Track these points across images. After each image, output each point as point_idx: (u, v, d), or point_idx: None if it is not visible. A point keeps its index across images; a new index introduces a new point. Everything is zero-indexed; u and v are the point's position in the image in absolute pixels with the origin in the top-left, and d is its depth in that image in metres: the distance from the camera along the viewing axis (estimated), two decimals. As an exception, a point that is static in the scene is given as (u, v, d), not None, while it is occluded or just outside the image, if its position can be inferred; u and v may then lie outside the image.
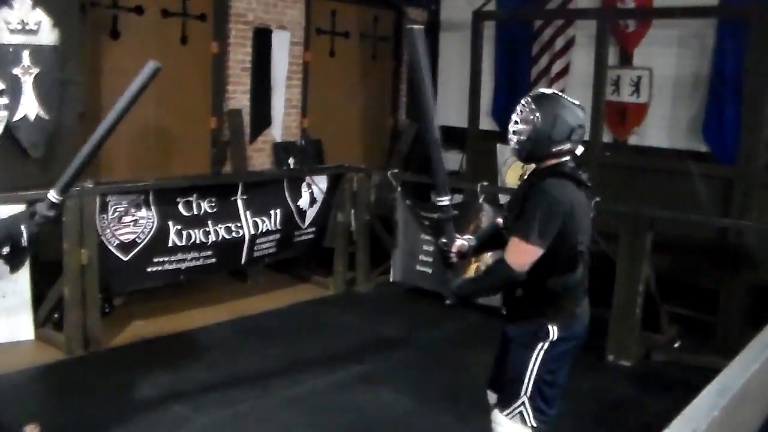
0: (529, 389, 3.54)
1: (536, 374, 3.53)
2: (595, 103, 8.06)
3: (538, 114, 3.38)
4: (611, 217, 6.48)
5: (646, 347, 6.45)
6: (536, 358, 3.52)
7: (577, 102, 3.46)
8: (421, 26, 3.66)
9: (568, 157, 3.45)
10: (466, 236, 3.83)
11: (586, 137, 7.97)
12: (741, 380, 2.65)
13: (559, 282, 3.48)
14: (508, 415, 3.62)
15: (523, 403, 3.56)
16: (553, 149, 3.40)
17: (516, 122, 3.46)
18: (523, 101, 3.48)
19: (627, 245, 6.33)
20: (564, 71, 9.09)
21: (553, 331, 3.50)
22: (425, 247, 7.62)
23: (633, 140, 8.83)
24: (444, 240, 3.70)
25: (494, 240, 3.81)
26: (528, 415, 3.57)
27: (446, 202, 3.64)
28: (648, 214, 6.31)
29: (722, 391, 2.48)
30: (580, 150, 3.46)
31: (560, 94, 3.53)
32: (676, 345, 6.59)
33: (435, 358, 6.34)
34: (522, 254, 3.37)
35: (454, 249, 3.69)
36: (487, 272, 3.75)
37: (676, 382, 5.94)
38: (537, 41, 9.26)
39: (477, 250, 3.91)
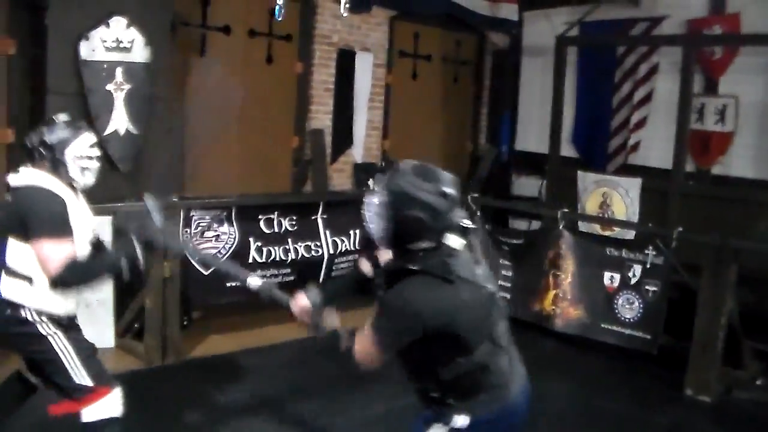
0: None
1: None
2: (679, 132, 7.94)
3: (380, 210, 2.85)
4: (694, 247, 6.36)
5: (726, 383, 6.26)
6: None
7: (442, 185, 2.78)
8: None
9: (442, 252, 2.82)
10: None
11: (668, 166, 7.99)
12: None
13: (451, 370, 2.88)
14: None
15: None
16: (411, 248, 2.84)
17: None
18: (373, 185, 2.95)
19: (710, 277, 6.16)
20: (647, 98, 8.98)
21: (455, 420, 2.96)
22: (504, 273, 7.57)
23: (717, 170, 8.68)
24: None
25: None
26: None
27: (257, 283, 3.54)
28: (733, 246, 6.14)
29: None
30: (457, 243, 2.83)
31: (410, 175, 2.81)
32: (758, 382, 6.40)
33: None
34: (365, 354, 2.95)
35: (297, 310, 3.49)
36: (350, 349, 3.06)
37: (756, 421, 5.78)
38: (620, 68, 9.19)
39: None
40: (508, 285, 7.52)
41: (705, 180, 8.62)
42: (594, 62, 9.46)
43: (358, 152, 8.90)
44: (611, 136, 9.14)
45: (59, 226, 3.68)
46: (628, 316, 6.69)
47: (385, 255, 3.14)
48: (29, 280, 3.67)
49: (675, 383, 6.15)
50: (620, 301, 6.74)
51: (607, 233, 8.00)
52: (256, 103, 7.99)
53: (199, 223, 6.30)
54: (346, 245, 7.26)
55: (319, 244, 7.01)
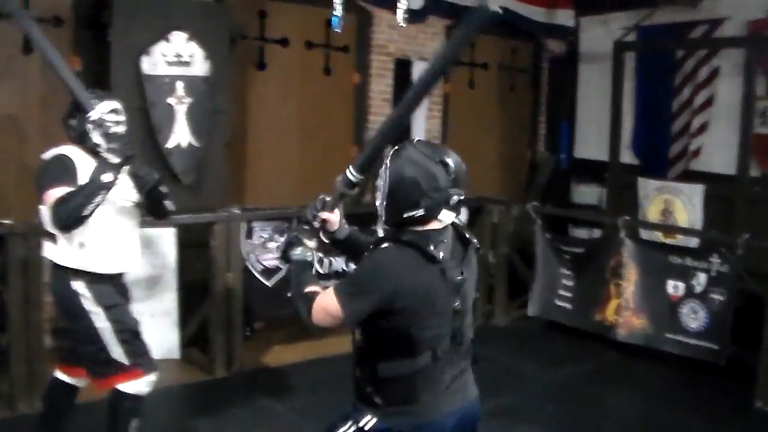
0: None
1: None
2: (743, 136, 7.81)
3: (386, 174, 2.85)
4: (761, 255, 6.24)
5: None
6: None
7: (444, 156, 2.82)
8: None
9: (432, 226, 2.85)
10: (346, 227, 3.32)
11: (731, 171, 7.85)
12: None
13: (390, 368, 2.86)
14: None
15: None
16: (405, 216, 2.82)
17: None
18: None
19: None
20: (707, 103, 8.80)
21: (368, 421, 2.94)
22: (565, 282, 7.51)
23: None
24: (323, 203, 3.19)
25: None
26: None
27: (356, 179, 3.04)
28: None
29: None
30: (448, 217, 2.84)
31: (420, 147, 2.86)
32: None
33: (571, 395, 6.21)
34: (322, 312, 2.87)
35: (323, 215, 3.19)
36: (296, 286, 3.09)
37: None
38: (679, 72, 9.01)
39: (340, 243, 3.35)
40: (569, 295, 7.46)
41: (768, 185, 8.44)
42: (653, 67, 9.32)
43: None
44: (672, 141, 8.99)
45: (56, 175, 3.85)
46: (693, 326, 6.58)
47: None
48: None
49: (744, 395, 6.04)
50: (685, 310, 6.64)
51: (669, 241, 7.87)
52: (314, 115, 8.04)
53: (260, 234, 6.35)
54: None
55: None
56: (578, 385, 6.45)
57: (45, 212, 3.89)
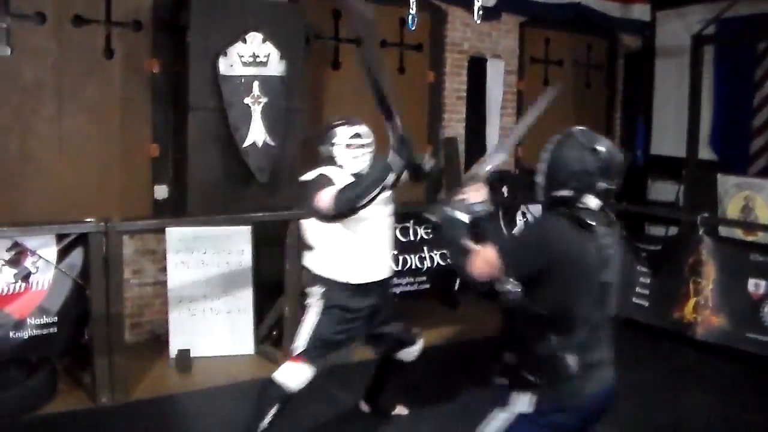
0: None
1: None
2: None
3: (548, 155, 3.08)
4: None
5: None
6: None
7: (597, 144, 3.00)
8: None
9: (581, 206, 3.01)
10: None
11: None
12: None
13: (547, 347, 3.02)
14: None
15: None
16: (554, 194, 3.06)
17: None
18: None
19: None
20: (791, 96, 8.62)
21: (527, 404, 3.07)
22: (642, 279, 7.41)
23: None
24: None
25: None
26: None
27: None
28: None
29: None
30: (591, 203, 3.00)
31: (581, 132, 3.08)
32: None
33: (649, 396, 6.11)
34: (482, 260, 3.00)
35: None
36: (453, 240, 3.20)
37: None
38: (761, 65, 8.83)
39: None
40: (646, 292, 7.35)
41: None
42: (732, 60, 9.13)
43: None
44: (752, 137, 8.80)
45: (322, 185, 4.28)
46: (775, 325, 6.43)
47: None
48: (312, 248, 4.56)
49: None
50: (767, 309, 6.49)
51: (750, 238, 7.70)
52: (388, 114, 8.07)
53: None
54: (479, 251, 7.24)
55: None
56: (655, 384, 6.34)
57: (304, 225, 4.56)
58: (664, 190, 9.90)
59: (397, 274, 6.73)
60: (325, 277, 4.49)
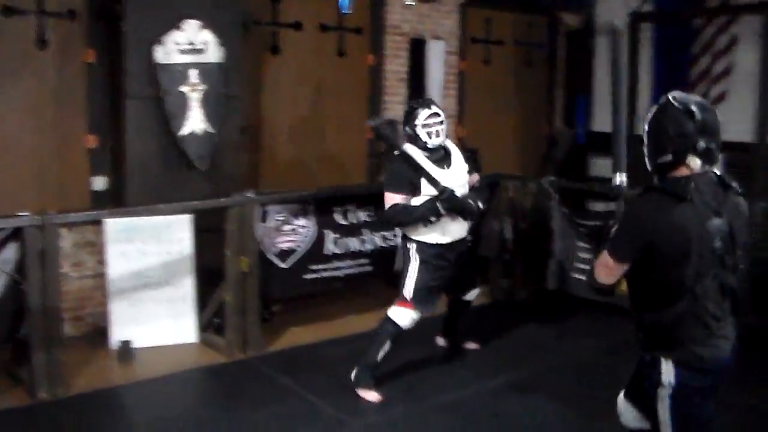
0: None
1: (672, 423, 3.26)
2: (762, 104, 7.75)
3: (647, 124, 3.24)
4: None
5: None
6: (665, 406, 3.26)
7: (691, 106, 3.10)
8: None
9: (683, 173, 3.12)
10: None
11: (750, 139, 7.77)
12: None
13: (653, 318, 3.23)
14: None
15: None
16: (658, 161, 3.19)
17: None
18: None
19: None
20: (726, 72, 8.73)
21: (671, 372, 3.21)
22: (582, 255, 7.51)
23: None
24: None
25: None
26: None
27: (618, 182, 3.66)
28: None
29: None
30: (695, 163, 3.10)
31: (674, 97, 3.18)
32: None
33: (590, 368, 6.22)
34: (601, 266, 3.27)
35: None
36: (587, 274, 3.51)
37: None
38: (697, 41, 8.95)
39: None
40: (587, 267, 7.44)
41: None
42: (669, 37, 9.25)
43: (433, 140, 8.90)
44: (691, 112, 8.93)
45: (395, 183, 5.49)
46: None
47: None
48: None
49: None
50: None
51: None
52: (329, 97, 8.08)
53: (275, 217, 6.43)
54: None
55: (394, 233, 7.08)
56: (598, 357, 6.46)
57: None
58: (606, 166, 9.98)
59: (338, 257, 6.79)
60: (418, 240, 5.58)
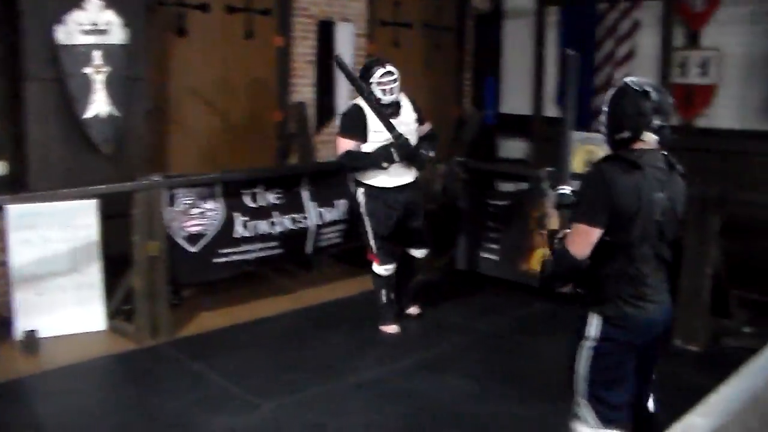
0: (585, 391, 3.49)
1: (587, 374, 3.47)
2: (662, 86, 7.93)
3: (606, 105, 3.48)
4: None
5: (714, 332, 6.32)
6: (584, 357, 3.48)
7: (647, 88, 3.36)
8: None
9: (639, 147, 3.36)
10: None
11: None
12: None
13: (592, 273, 3.40)
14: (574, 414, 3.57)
15: (580, 404, 3.51)
16: (616, 137, 3.43)
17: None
18: None
19: (694, 228, 6.18)
20: (629, 55, 8.97)
21: (596, 326, 3.42)
22: (491, 235, 7.62)
23: (702, 122, 8.67)
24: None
25: None
26: (588, 416, 3.49)
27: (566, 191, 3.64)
28: (715, 195, 6.17)
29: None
30: (650, 139, 3.34)
31: (632, 81, 3.43)
32: (745, 330, 6.43)
33: (498, 345, 6.34)
34: (577, 238, 3.34)
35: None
36: (554, 258, 3.57)
37: (745, 368, 5.81)
38: (602, 25, 9.16)
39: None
40: (496, 247, 7.57)
41: (690, 133, 8.61)
42: (575, 21, 9.44)
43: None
44: (595, 94, 9.12)
45: (348, 127, 6.13)
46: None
47: None
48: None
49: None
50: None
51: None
52: (237, 79, 7.99)
53: (183, 201, 6.33)
54: (332, 215, 7.31)
55: (305, 215, 7.06)
56: (506, 334, 6.57)
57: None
58: (515, 148, 10.18)
59: (248, 240, 6.73)
60: (368, 184, 6.13)
